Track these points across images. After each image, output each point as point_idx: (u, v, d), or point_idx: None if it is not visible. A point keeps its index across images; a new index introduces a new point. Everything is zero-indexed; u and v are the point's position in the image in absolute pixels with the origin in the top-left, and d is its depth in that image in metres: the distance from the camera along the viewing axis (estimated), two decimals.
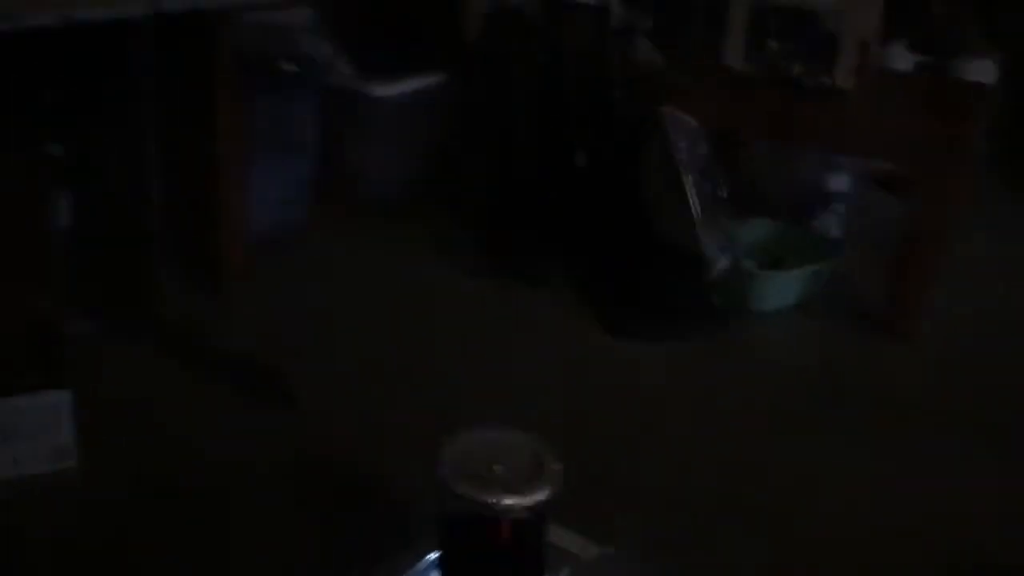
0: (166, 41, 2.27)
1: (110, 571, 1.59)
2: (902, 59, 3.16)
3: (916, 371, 2.36)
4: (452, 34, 2.96)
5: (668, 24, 2.97)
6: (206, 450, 1.90)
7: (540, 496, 1.22)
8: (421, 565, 1.34)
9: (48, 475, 1.78)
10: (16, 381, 1.81)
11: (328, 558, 1.60)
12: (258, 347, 2.21)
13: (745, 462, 1.98)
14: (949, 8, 3.36)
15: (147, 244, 2.41)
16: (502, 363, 2.26)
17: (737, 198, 2.59)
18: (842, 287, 2.63)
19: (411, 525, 1.44)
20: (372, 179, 2.89)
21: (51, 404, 1.76)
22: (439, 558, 1.32)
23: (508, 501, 1.20)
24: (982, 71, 3.13)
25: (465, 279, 2.64)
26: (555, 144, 2.66)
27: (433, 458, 1.24)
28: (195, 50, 2.37)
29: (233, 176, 2.49)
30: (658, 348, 2.37)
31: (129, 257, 2.40)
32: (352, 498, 1.79)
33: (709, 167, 2.45)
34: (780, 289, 2.57)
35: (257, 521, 1.72)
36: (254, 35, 2.56)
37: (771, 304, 2.55)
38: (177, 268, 2.44)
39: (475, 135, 2.85)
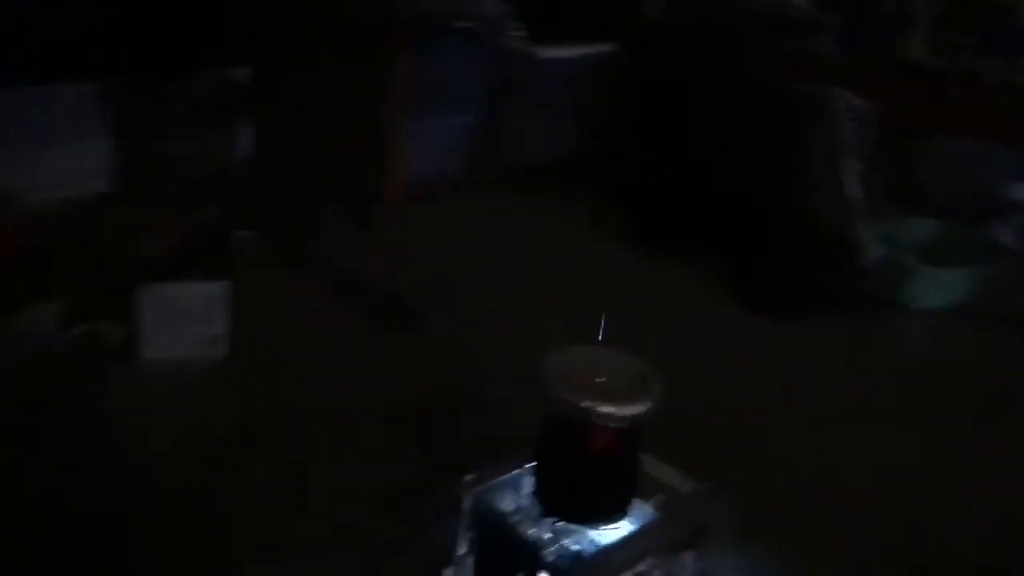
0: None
1: (238, 459, 1.70)
2: None
3: None
4: (627, 5, 2.98)
5: (853, 19, 2.89)
6: (340, 359, 2.01)
7: (638, 409, 1.24)
8: (517, 472, 1.38)
9: (198, 361, 1.93)
10: (185, 272, 1.97)
11: (436, 464, 1.67)
12: (399, 278, 2.30)
13: (870, 454, 1.91)
14: None
15: (314, 174, 2.55)
16: (633, 324, 2.25)
17: (904, 190, 2.50)
18: (1007, 294, 2.49)
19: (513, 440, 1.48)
20: (531, 140, 2.95)
21: (210, 293, 1.91)
22: (535, 466, 1.35)
23: (606, 409, 1.22)
24: None
25: (609, 245, 2.67)
26: (717, 120, 2.64)
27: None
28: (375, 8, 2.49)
29: (399, 124, 2.61)
30: (799, 331, 2.32)
31: (297, 183, 2.54)
32: (464, 415, 1.86)
33: (876, 155, 2.37)
34: (938, 288, 2.46)
35: (374, 430, 1.81)
36: None
37: (927, 303, 2.44)
38: (339, 202, 2.58)
39: (638, 106, 2.86)
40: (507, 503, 1.39)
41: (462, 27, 2.78)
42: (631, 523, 1.35)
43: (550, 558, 1.28)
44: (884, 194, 2.40)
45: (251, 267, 2.22)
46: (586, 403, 1.22)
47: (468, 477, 1.37)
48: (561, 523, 1.32)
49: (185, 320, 1.91)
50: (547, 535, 1.31)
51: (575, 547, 1.29)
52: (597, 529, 1.32)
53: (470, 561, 1.39)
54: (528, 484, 1.38)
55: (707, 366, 2.12)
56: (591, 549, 1.29)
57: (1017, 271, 2.55)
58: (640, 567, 1.33)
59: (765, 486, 1.74)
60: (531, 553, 1.29)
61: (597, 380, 1.26)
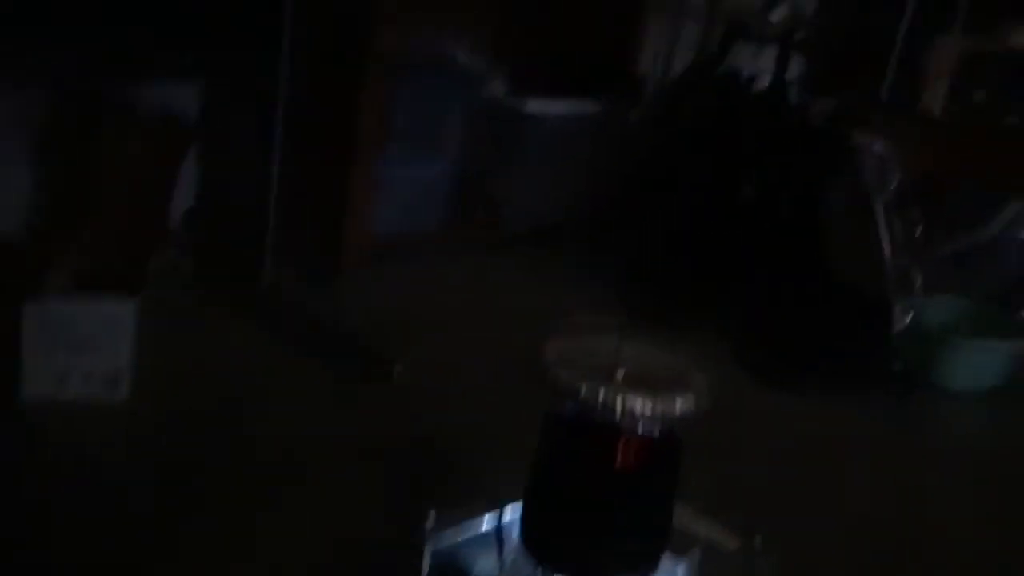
0: (316, 20, 2.15)
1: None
2: None
3: None
4: (619, 62, 2.76)
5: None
6: (273, 410, 1.64)
7: (681, 407, 0.88)
8: (496, 521, 1.00)
9: (92, 401, 1.53)
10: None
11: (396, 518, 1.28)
12: (361, 328, 1.97)
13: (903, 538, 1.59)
14: None
15: (263, 222, 2.23)
16: None
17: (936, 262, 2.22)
18: None
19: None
20: (513, 199, 2.65)
21: (115, 313, 1.52)
22: (526, 497, 0.97)
23: (634, 405, 0.86)
24: None
25: (595, 314, 2.34)
26: (720, 175, 2.37)
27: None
28: (345, 37, 2.24)
29: (366, 169, 2.32)
30: (817, 405, 1.99)
31: (243, 230, 2.23)
32: (432, 467, 1.49)
33: (905, 205, 2.09)
34: (972, 366, 2.15)
35: (323, 480, 1.43)
36: (405, 34, 2.42)
37: (959, 383, 2.13)
38: (297, 250, 2.25)
39: (633, 164, 2.60)
40: (484, 561, 1.01)
41: (438, 72, 2.53)
42: None
43: None
44: (917, 246, 2.10)
45: (184, 300, 1.86)
46: (605, 397, 0.87)
47: (428, 524, 0.99)
48: None
49: (82, 345, 1.52)
50: None
51: None
52: None
53: None
54: (513, 532, 1.00)
55: (722, 447, 1.77)
56: None
57: None
58: None
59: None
60: None
61: (620, 370, 0.90)
